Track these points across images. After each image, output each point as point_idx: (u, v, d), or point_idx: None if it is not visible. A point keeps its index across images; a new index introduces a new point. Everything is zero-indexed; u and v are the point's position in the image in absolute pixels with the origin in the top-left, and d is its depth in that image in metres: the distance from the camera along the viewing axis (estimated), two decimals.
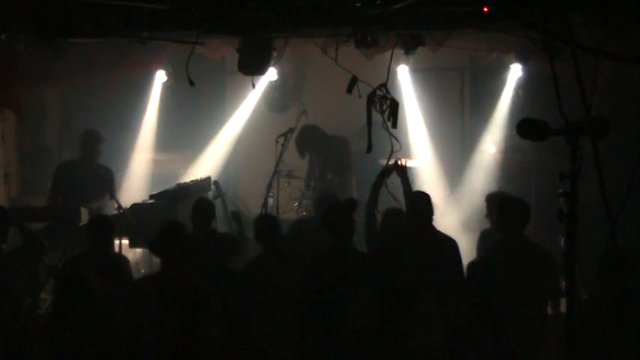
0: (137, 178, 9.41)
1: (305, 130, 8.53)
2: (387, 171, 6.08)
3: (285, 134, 8.37)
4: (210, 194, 8.24)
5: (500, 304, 4.94)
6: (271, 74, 8.99)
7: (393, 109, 6.10)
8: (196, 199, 6.66)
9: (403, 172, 6.10)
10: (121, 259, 6.11)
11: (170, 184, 8.27)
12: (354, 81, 6.41)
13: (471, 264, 5.28)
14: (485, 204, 6.54)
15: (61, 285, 5.01)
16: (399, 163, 6.07)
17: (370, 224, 5.94)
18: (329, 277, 5.23)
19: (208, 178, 8.43)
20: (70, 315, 4.79)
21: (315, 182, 8.71)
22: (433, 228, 5.79)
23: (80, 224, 7.14)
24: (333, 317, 4.96)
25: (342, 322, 4.79)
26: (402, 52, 6.81)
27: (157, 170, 9.58)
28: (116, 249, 6.70)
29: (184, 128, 9.61)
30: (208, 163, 9.54)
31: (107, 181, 7.64)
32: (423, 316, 4.66)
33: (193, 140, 9.66)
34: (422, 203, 5.83)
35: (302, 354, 5.26)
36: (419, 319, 4.64)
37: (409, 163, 6.40)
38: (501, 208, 5.74)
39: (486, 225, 6.47)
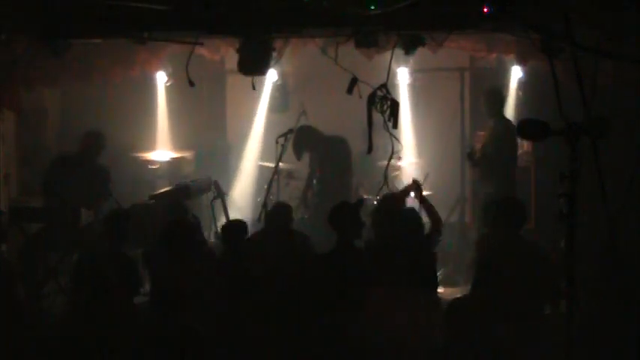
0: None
1: (301, 132, 8.35)
2: (403, 194, 6.18)
3: (285, 135, 8.33)
4: (210, 194, 8.25)
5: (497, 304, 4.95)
6: (273, 76, 9.00)
7: (393, 109, 6.11)
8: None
9: (419, 193, 6.16)
10: None
11: (170, 185, 8.29)
12: (354, 81, 6.41)
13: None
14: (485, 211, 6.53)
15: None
16: (414, 184, 6.17)
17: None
18: (332, 275, 5.25)
19: (208, 179, 8.42)
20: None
21: (315, 183, 8.67)
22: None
23: (81, 225, 7.15)
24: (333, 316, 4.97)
25: (344, 321, 4.80)
26: (402, 52, 6.81)
27: (157, 171, 9.56)
28: None
29: (184, 129, 9.61)
30: (208, 163, 9.52)
31: (106, 182, 7.60)
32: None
33: (193, 141, 9.65)
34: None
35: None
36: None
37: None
38: (498, 208, 5.75)
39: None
